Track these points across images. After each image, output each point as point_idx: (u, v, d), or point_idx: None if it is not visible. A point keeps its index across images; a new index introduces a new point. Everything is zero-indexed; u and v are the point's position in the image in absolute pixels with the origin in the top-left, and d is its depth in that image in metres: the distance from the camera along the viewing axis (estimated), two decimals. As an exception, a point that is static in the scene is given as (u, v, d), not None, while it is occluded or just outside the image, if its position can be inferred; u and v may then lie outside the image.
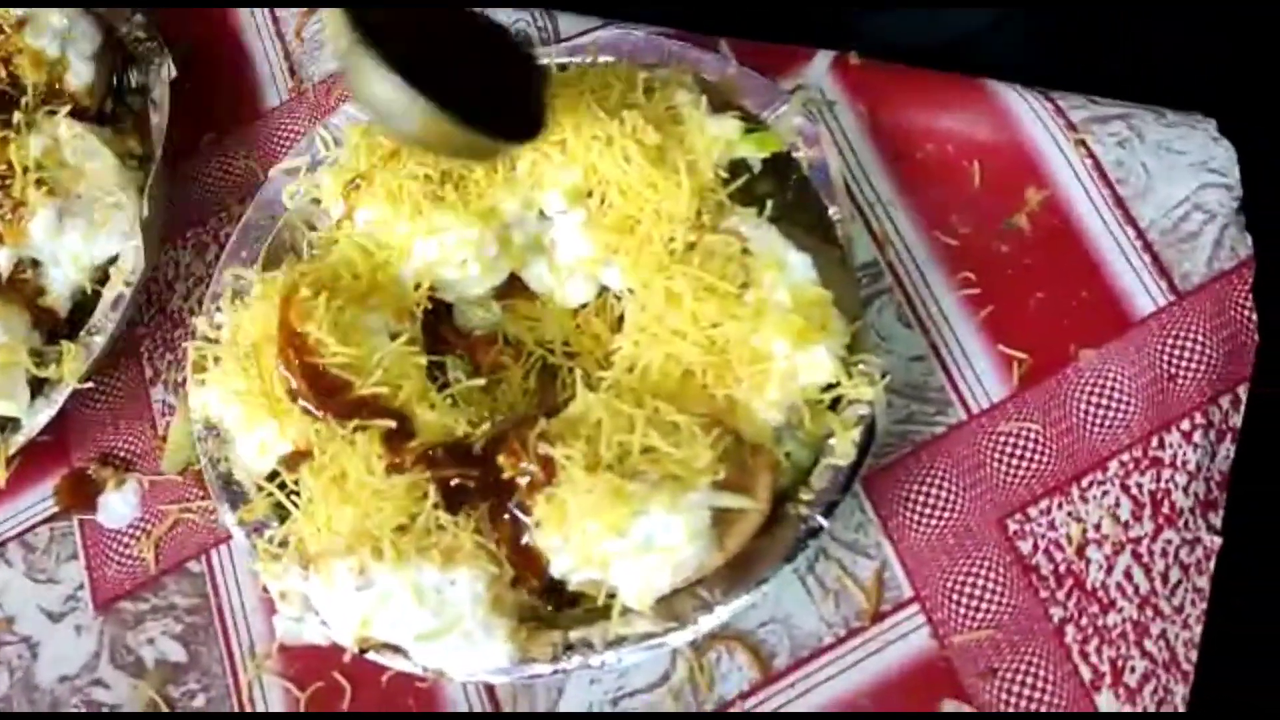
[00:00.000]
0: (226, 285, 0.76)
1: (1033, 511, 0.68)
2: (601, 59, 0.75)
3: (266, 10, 0.92)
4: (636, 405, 0.63)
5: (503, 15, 0.87)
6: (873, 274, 0.74)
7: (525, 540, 0.63)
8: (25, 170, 0.74)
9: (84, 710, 0.73)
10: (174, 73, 0.83)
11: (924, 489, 0.69)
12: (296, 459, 0.66)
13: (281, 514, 0.69)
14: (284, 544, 0.67)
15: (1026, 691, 0.64)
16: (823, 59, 0.81)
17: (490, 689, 0.69)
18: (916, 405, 0.71)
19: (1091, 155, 0.74)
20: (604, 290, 0.74)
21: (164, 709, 0.72)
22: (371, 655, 0.65)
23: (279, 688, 0.72)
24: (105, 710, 0.73)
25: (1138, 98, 0.77)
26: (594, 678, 0.68)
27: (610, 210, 0.69)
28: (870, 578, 0.68)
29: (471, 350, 0.75)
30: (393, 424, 0.65)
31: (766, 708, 0.67)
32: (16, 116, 0.76)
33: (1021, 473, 0.69)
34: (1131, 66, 0.97)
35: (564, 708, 0.68)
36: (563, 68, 0.74)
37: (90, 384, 0.76)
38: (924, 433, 0.70)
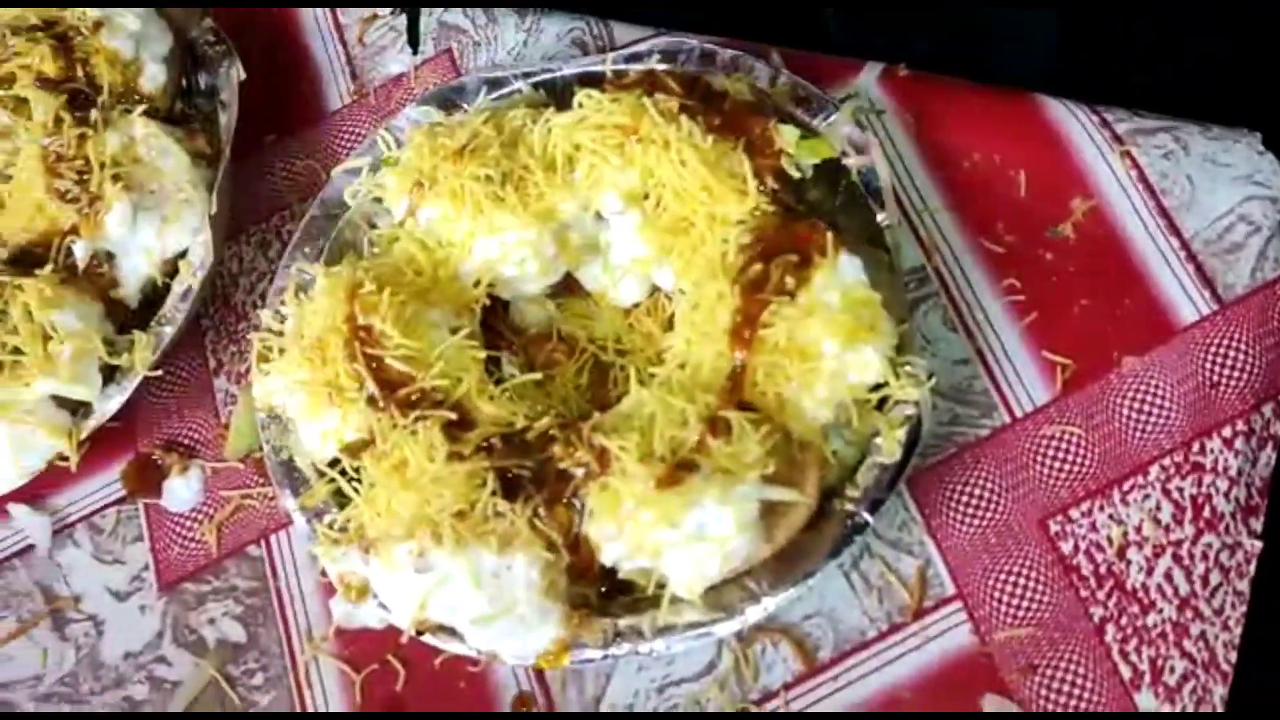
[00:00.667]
0: (290, 280, 0.78)
1: (1074, 513, 0.69)
2: (658, 66, 0.77)
3: (329, 16, 0.95)
4: (688, 401, 0.65)
5: (558, 23, 0.90)
6: (919, 279, 0.76)
7: (578, 529, 0.65)
8: (102, 166, 0.77)
9: (148, 685, 0.76)
10: (243, 75, 0.86)
11: (967, 489, 0.71)
12: (358, 447, 0.69)
13: (341, 500, 0.72)
14: (344, 529, 0.69)
15: (1066, 688, 0.65)
16: (871, 70, 0.83)
17: (540, 674, 0.71)
18: (961, 408, 0.73)
19: (1137, 167, 0.76)
20: (655, 290, 0.76)
21: (225, 686, 0.75)
22: (427, 638, 0.67)
23: (335, 669, 0.74)
24: (169, 686, 0.76)
25: (1182, 112, 0.78)
26: (641, 665, 0.70)
27: (665, 212, 0.71)
28: (913, 575, 0.69)
29: (526, 347, 0.77)
30: (453, 415, 0.67)
31: (809, 699, 0.68)
32: (94, 115, 0.79)
33: (1063, 475, 0.70)
34: (1175, 81, 0.98)
35: (611, 695, 0.70)
36: (620, 73, 0.76)
37: (158, 373, 0.79)
38: (968, 435, 0.72)
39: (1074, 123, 0.78)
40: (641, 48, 0.80)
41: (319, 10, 0.95)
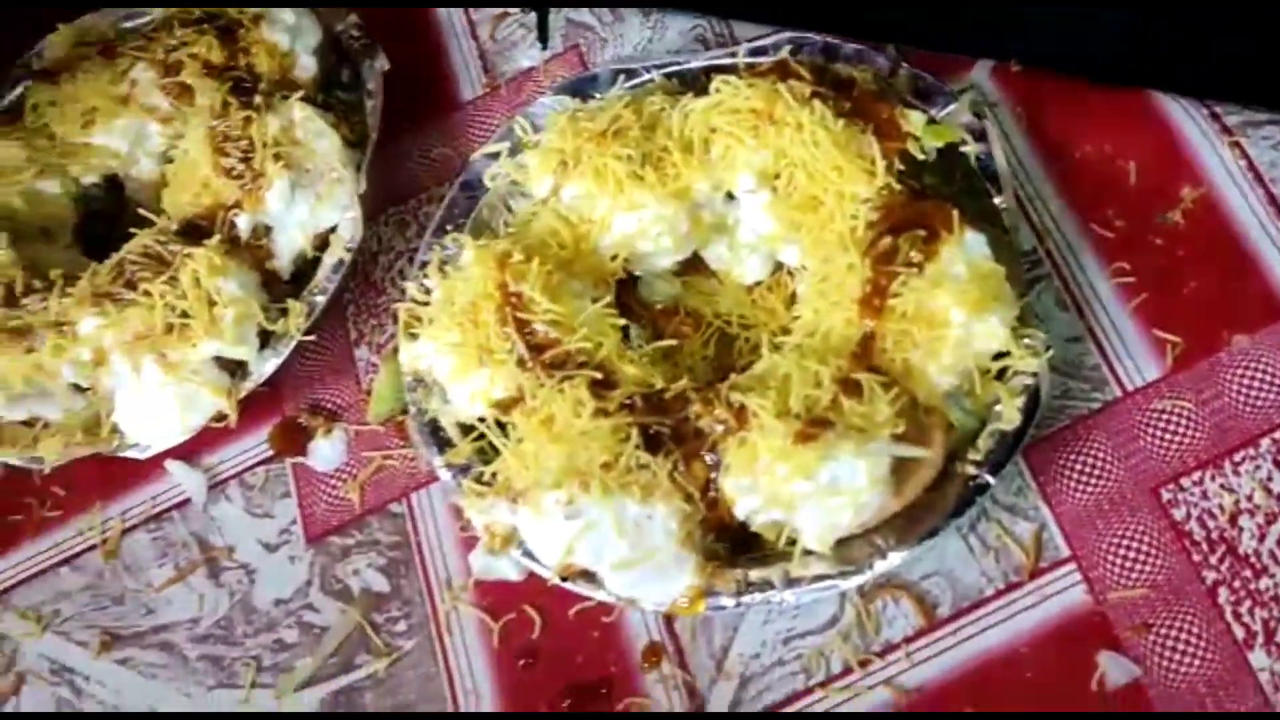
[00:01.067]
0: (434, 255, 0.83)
1: (1185, 482, 0.72)
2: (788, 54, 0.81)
3: (462, 14, 1.01)
4: (821, 364, 0.69)
5: (681, 22, 0.95)
6: (1032, 261, 0.80)
7: (713, 483, 0.70)
8: (265, 146, 0.83)
9: (298, 629, 0.81)
10: (387, 65, 0.91)
11: (1081, 458, 0.74)
12: (508, 404, 0.74)
13: (484, 458, 0.77)
14: (488, 482, 0.74)
15: (1180, 646, 0.68)
16: (983, 66, 0.87)
17: (670, 625, 0.75)
18: (1074, 382, 0.76)
19: (1246, 157, 0.79)
20: (777, 269, 0.81)
21: (369, 632, 0.80)
22: (570, 585, 0.72)
23: (474, 617, 0.79)
24: (317, 631, 0.81)
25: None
26: (767, 618, 0.74)
27: (795, 192, 0.75)
28: (1029, 537, 0.73)
29: (654, 320, 0.82)
30: (598, 375, 0.71)
31: (929, 652, 0.72)
32: (258, 99, 0.85)
33: (1174, 446, 0.73)
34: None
35: (738, 646, 0.74)
36: (752, 65, 0.81)
37: (311, 338, 0.84)
38: (1080, 408, 0.75)
39: (1183, 115, 0.81)
40: (766, 42, 0.85)
41: (454, 9, 1.01)
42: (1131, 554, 0.71)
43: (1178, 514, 0.71)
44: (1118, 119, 0.83)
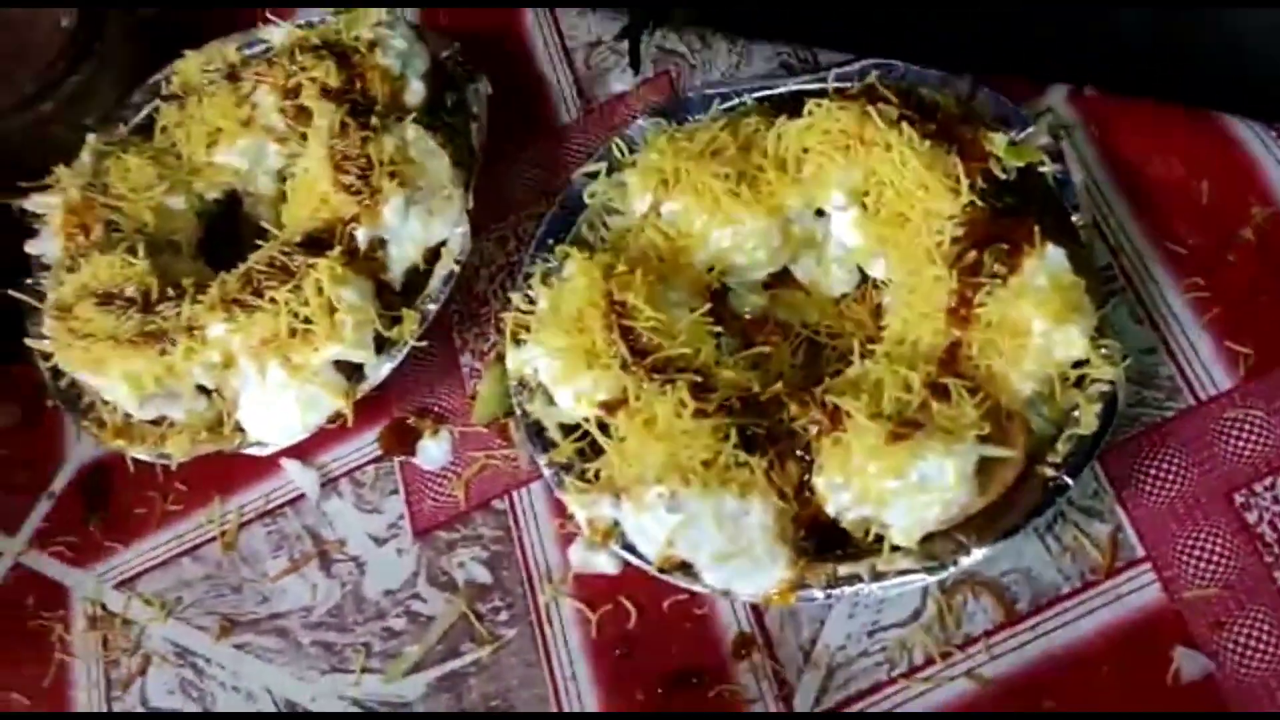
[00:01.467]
0: (538, 268, 0.89)
1: (1258, 488, 0.75)
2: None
3: (558, 42, 1.07)
4: (910, 370, 0.73)
5: (767, 49, 1.00)
6: (1107, 277, 0.83)
7: (806, 482, 0.74)
8: (381, 164, 0.89)
9: (406, 618, 0.86)
10: (490, 90, 0.97)
11: (1154, 464, 0.77)
12: (613, 405, 0.79)
13: (583, 458, 0.82)
14: (591, 479, 0.79)
15: (1253, 644, 0.71)
16: (1059, 90, 0.91)
17: (760, 617, 0.80)
18: (1148, 392, 0.80)
19: (1315, 177, 0.82)
20: (863, 282, 0.85)
21: (473, 621, 0.85)
22: (668, 576, 0.76)
23: (572, 609, 0.83)
24: (424, 619, 0.86)
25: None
26: (852, 612, 0.78)
27: (883, 208, 0.80)
28: (1105, 538, 0.76)
29: (744, 330, 0.87)
30: (698, 378, 0.76)
31: (1008, 646, 0.75)
32: (374, 120, 0.91)
33: (1247, 453, 0.76)
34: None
35: (824, 637, 0.78)
36: (840, 89, 0.85)
37: (423, 344, 0.90)
38: (1154, 416, 0.79)
39: (1252, 137, 0.85)
40: (852, 68, 0.90)
41: (550, 36, 1.07)
42: (1205, 555, 0.74)
43: (1250, 518, 0.75)
44: (1190, 141, 0.86)
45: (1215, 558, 0.74)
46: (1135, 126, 0.88)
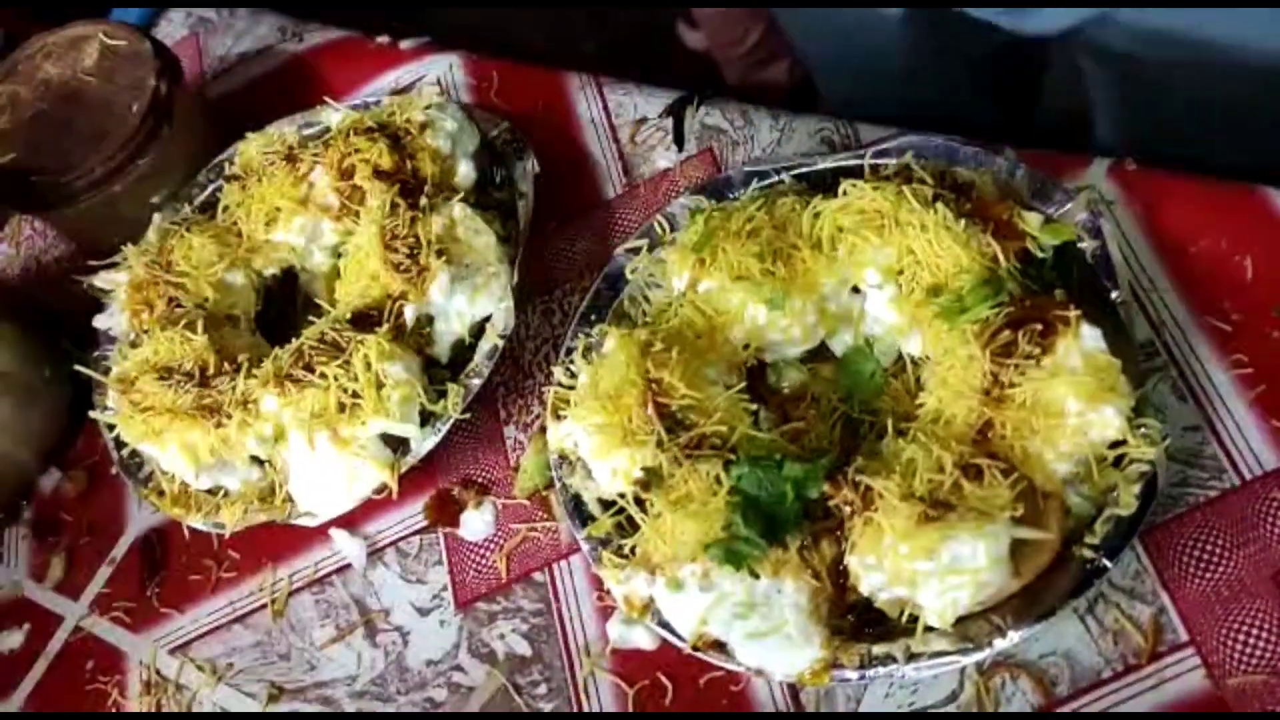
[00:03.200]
0: (580, 342, 0.91)
1: (1305, 570, 0.74)
2: (911, 159, 0.87)
3: (604, 119, 1.09)
4: (944, 449, 0.73)
5: (809, 124, 1.01)
6: (1149, 353, 0.83)
7: (841, 561, 0.74)
8: (429, 243, 0.92)
9: (447, 689, 0.88)
10: (538, 168, 1.00)
11: (1199, 545, 0.76)
12: (647, 482, 0.80)
13: (622, 532, 0.82)
14: (627, 555, 0.80)
15: (1300, 733, 0.70)
16: (1100, 164, 0.91)
17: (795, 695, 0.80)
18: (1191, 471, 0.78)
19: (1362, 252, 0.81)
20: (899, 358, 0.86)
21: (513, 693, 0.86)
22: (702, 654, 0.77)
23: (610, 683, 0.84)
24: (464, 690, 0.87)
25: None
26: (889, 692, 0.78)
27: (918, 287, 0.80)
28: (1148, 621, 0.75)
29: (782, 405, 0.87)
30: (731, 456, 0.77)
31: (1048, 731, 0.74)
32: (423, 201, 0.94)
33: (1294, 535, 0.75)
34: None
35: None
36: (875, 169, 0.86)
37: (466, 415, 0.91)
38: (1199, 495, 0.78)
39: (1298, 211, 0.84)
40: (889, 145, 0.91)
41: (597, 113, 1.09)
42: (1251, 639, 0.73)
43: (1298, 601, 0.73)
44: (1234, 215, 0.86)
45: (1262, 643, 0.73)
46: (1178, 200, 0.88)
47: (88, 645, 0.99)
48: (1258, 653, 0.72)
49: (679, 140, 1.05)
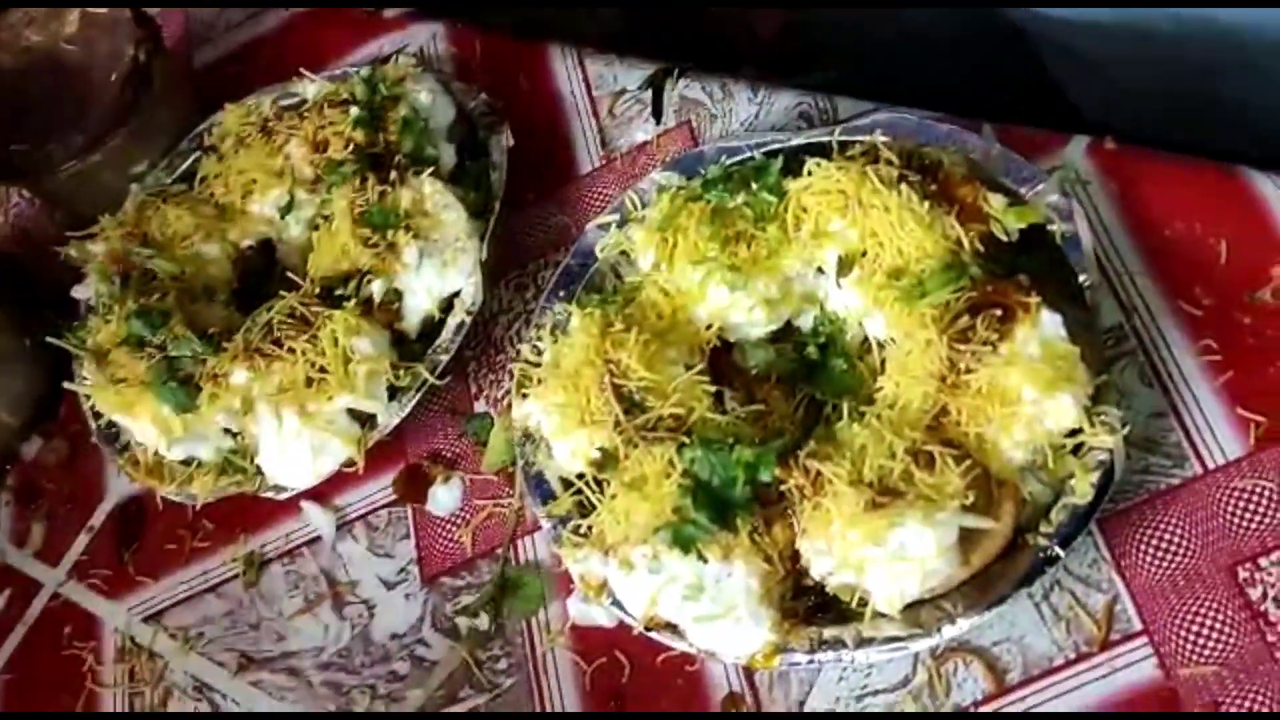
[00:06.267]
0: (548, 319, 0.90)
1: (1263, 562, 0.73)
2: (879, 138, 0.85)
3: (584, 90, 1.08)
4: (896, 435, 0.72)
5: (787, 98, 1.00)
6: (1117, 337, 0.81)
7: (794, 545, 0.74)
8: (398, 218, 0.92)
9: (409, 662, 0.88)
10: (511, 141, 0.99)
11: (1157, 533, 0.75)
12: (603, 463, 0.79)
13: (582, 511, 0.82)
14: (585, 534, 0.80)
15: (1249, 726, 0.69)
16: (1078, 143, 0.89)
17: (750, 676, 0.80)
18: (1153, 458, 0.77)
19: (1339, 237, 0.79)
20: (866, 339, 0.85)
21: (474, 668, 0.86)
22: (655, 634, 0.77)
23: (569, 660, 0.84)
24: (427, 664, 0.88)
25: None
26: (842, 675, 0.78)
27: (880, 268, 0.79)
28: (1101, 609, 0.74)
29: (748, 385, 0.87)
30: (686, 439, 0.77)
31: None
32: (393, 175, 0.94)
33: (1254, 526, 0.74)
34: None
35: (813, 701, 0.78)
36: (845, 145, 0.85)
37: (438, 383, 0.91)
38: (1159, 483, 0.77)
39: (1275, 194, 0.82)
40: (863, 121, 0.89)
41: (577, 84, 1.08)
42: (1205, 631, 0.72)
43: (1254, 593, 0.72)
44: (1210, 197, 0.84)
45: (1215, 634, 0.72)
46: (1155, 181, 0.86)
47: (65, 611, 1.01)
48: (1210, 644, 0.72)
49: (657, 113, 1.04)
